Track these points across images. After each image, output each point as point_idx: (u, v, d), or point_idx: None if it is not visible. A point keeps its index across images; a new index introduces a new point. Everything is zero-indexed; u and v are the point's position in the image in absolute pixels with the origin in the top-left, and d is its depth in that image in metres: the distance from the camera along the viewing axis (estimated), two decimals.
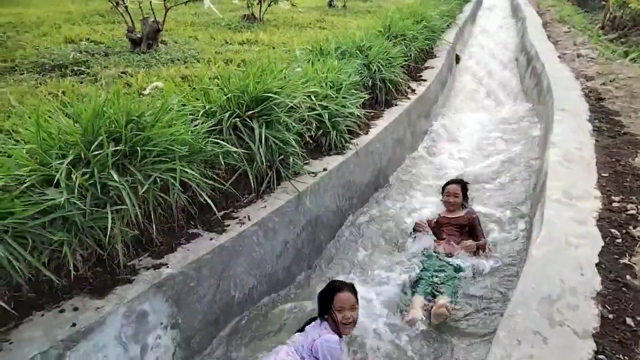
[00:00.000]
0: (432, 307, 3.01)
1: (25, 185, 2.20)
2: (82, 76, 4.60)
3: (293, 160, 3.47)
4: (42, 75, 4.56)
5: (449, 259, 3.48)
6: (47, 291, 2.20)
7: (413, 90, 5.99)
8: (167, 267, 2.46)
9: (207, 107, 3.21)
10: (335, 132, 3.95)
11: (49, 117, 2.60)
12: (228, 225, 2.88)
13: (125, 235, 2.42)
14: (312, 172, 3.58)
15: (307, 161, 3.73)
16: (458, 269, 3.40)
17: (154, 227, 2.56)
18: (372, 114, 4.90)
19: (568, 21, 11.47)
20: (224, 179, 3.04)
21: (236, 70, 3.93)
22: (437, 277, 3.28)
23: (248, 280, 2.88)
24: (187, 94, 3.38)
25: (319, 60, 4.92)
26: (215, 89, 3.38)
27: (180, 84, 4.17)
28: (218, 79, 3.69)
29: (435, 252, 3.57)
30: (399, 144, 5.07)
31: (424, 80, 6.56)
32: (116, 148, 2.45)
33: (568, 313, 2.29)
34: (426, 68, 7.20)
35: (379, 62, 5.38)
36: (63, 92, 3.85)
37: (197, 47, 6.16)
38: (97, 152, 2.37)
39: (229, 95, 3.29)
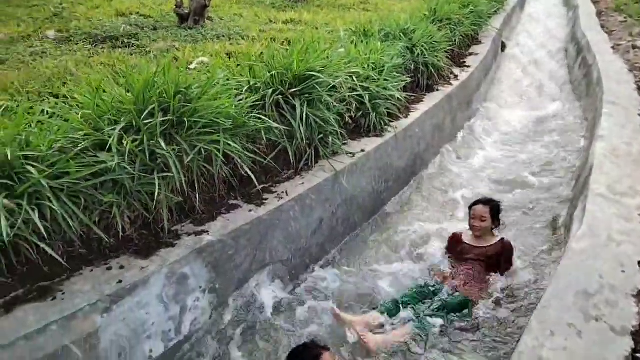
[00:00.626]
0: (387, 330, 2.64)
1: (80, 148, 2.33)
2: (132, 48, 4.74)
3: (332, 139, 3.51)
4: (95, 46, 4.74)
5: (448, 296, 2.92)
6: (97, 249, 2.33)
7: (456, 76, 5.87)
8: (208, 234, 2.56)
9: (251, 83, 3.27)
10: (375, 114, 3.95)
11: (103, 85, 2.72)
12: (266, 199, 2.95)
13: (170, 201, 2.53)
14: (350, 153, 3.60)
15: (345, 141, 3.75)
16: (450, 306, 2.84)
17: (197, 195, 2.66)
18: (412, 97, 4.85)
19: (625, 10, 10.85)
20: (265, 154, 3.10)
21: (280, 49, 3.96)
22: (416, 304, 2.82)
23: (283, 253, 2.96)
24: (232, 70, 3.44)
25: (362, 41, 4.89)
26: (260, 65, 3.42)
27: (225, 60, 4.24)
28: (262, 56, 3.74)
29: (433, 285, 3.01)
30: (438, 130, 5.01)
31: (467, 66, 6.41)
32: (165, 118, 2.55)
33: (606, 309, 2.24)
34: (470, 54, 7.03)
35: (422, 46, 5.30)
36: (114, 63, 3.99)
37: (241, 25, 6.22)
38: (147, 121, 2.47)
39: (273, 73, 3.34)
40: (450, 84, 5.57)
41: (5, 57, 4.07)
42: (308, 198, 3.13)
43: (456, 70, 6.11)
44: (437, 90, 5.31)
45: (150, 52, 4.64)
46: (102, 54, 4.39)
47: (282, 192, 3.05)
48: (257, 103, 3.17)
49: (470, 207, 3.35)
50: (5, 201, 1.97)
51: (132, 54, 4.50)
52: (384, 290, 3.08)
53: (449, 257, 3.33)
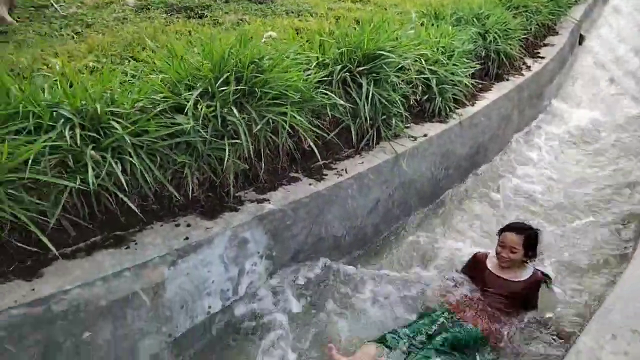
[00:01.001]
0: None
1: (159, 109, 2.46)
2: (205, 19, 4.88)
3: (395, 121, 3.48)
4: (170, 15, 4.91)
5: (460, 329, 2.49)
6: (167, 206, 2.47)
7: (528, 67, 5.61)
8: (269, 203, 2.64)
9: (320, 59, 3.29)
10: (441, 98, 3.87)
11: (184, 52, 2.84)
12: (326, 175, 3.00)
13: (237, 167, 2.63)
14: (412, 136, 3.56)
15: (408, 125, 3.71)
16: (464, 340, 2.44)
17: (262, 164, 2.74)
18: (480, 85, 4.70)
19: None
20: (328, 131, 3.14)
21: (349, 27, 3.95)
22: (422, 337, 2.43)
23: (338, 229, 3.01)
24: (303, 44, 3.48)
25: (432, 24, 4.78)
26: (330, 42, 3.44)
27: (295, 35, 4.28)
28: (331, 34, 3.75)
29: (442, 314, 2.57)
30: (505, 122, 4.83)
31: (541, 57, 6.10)
32: (237, 87, 2.63)
33: None
34: (545, 45, 6.67)
35: (495, 33, 5.09)
36: (189, 32, 4.13)
37: (310, 2, 6.21)
38: (221, 88, 2.57)
39: (342, 50, 3.34)
40: (522, 75, 5.33)
41: (91, 21, 4.32)
42: (367, 177, 3.14)
43: (529, 61, 5.83)
44: (507, 80, 5.10)
45: (222, 23, 4.76)
46: (177, 23, 4.55)
47: (342, 170, 3.08)
48: (325, 79, 3.20)
49: (500, 232, 2.75)
50: (92, 152, 2.12)
51: (204, 25, 4.64)
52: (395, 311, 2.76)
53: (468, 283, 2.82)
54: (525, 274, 2.68)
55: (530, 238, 2.69)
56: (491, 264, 2.75)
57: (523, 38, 5.78)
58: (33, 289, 1.90)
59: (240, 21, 5.01)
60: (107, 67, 2.88)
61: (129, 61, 3.31)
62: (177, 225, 2.37)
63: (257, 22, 4.95)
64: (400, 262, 3.24)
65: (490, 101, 4.42)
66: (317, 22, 5.12)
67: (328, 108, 3.06)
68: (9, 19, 3.95)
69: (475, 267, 2.82)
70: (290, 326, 2.58)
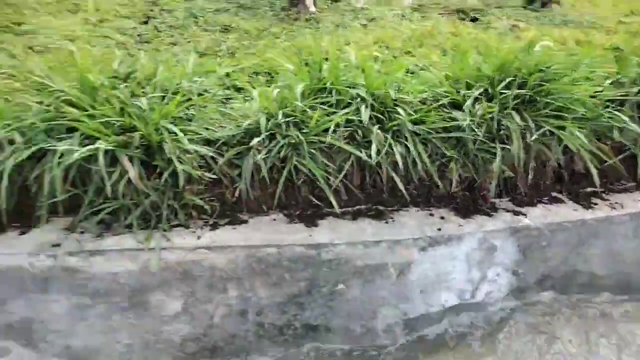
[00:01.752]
0: None
1: (439, 103, 2.56)
2: (477, 22, 4.87)
3: None
4: (443, 16, 5.06)
5: None
6: (425, 194, 2.58)
7: None
8: (526, 217, 2.50)
9: (617, 77, 2.92)
10: None
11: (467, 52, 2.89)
12: (596, 204, 2.67)
13: (501, 173, 2.56)
14: None
15: None
16: None
17: (529, 177, 2.61)
18: None
19: None
20: (607, 156, 2.78)
21: None
22: None
23: (599, 268, 2.65)
24: (594, 58, 3.14)
25: None
26: (634, 59, 3.02)
27: (577, 48, 3.91)
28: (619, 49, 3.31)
29: None
30: None
31: None
32: (519, 91, 2.55)
33: None
34: None
35: None
36: (464, 34, 4.18)
37: (598, 13, 5.58)
38: (502, 91, 2.52)
39: None
40: None
41: (375, 16, 4.77)
42: None
43: None
44: None
45: (495, 28, 4.67)
46: (451, 24, 4.65)
47: (616, 202, 2.69)
48: (616, 98, 2.83)
49: None
50: (378, 131, 2.35)
51: (477, 28, 4.62)
52: None
53: None
54: None
55: None
56: None
57: None
58: (310, 235, 2.23)
59: (514, 27, 4.83)
60: (389, 59, 3.14)
61: (408, 55, 3.54)
62: (431, 215, 2.46)
63: (531, 30, 4.69)
64: None
65: None
66: (603, 37, 4.56)
67: (615, 131, 2.71)
68: (313, 8, 4.66)
69: None
70: (518, 349, 2.42)
